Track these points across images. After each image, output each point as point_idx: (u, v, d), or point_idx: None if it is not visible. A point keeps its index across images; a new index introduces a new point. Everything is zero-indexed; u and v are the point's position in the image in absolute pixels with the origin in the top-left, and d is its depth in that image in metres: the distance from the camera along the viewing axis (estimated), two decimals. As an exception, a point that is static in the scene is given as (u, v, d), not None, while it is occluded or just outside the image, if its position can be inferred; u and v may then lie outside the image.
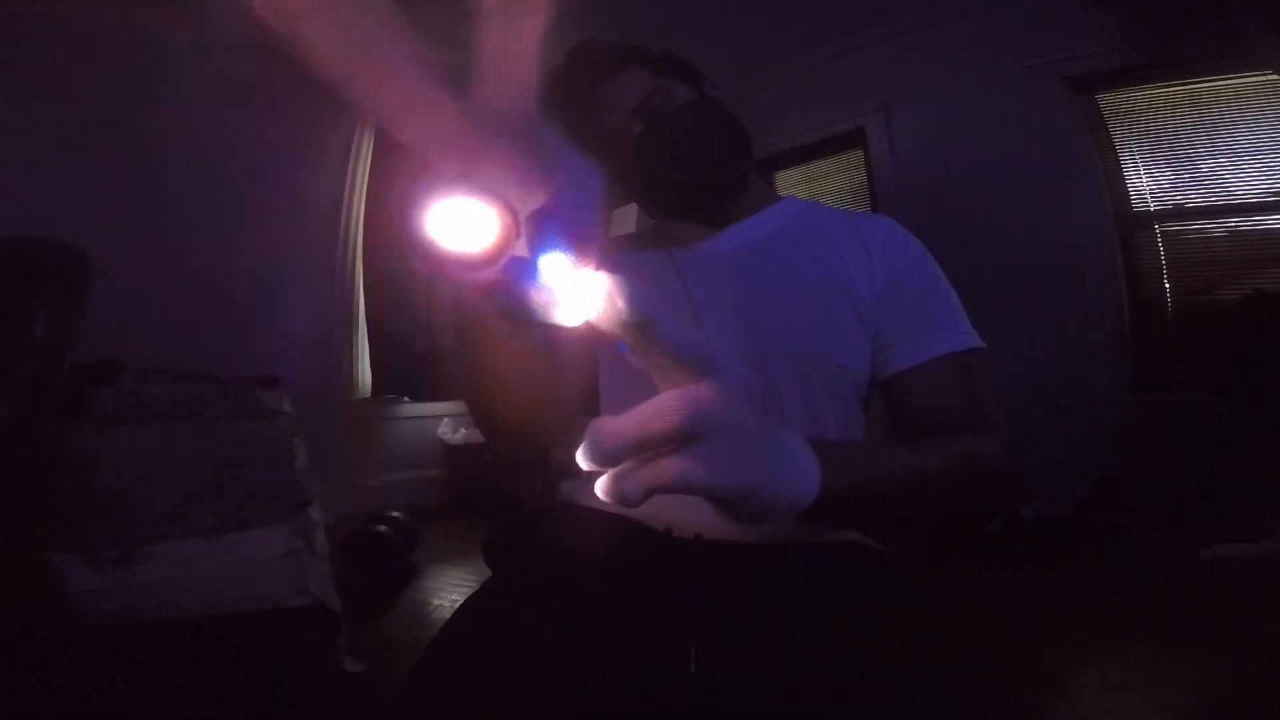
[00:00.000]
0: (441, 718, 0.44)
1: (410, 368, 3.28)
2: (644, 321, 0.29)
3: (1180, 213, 2.47)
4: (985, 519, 0.57)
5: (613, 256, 0.73)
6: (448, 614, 1.98)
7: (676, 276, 0.68)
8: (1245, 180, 2.32)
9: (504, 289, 0.29)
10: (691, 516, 0.60)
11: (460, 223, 0.27)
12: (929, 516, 0.51)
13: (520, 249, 0.28)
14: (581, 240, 0.29)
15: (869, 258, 0.66)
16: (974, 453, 0.55)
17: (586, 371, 0.68)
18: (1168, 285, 2.51)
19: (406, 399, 3.25)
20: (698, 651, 0.49)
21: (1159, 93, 2.45)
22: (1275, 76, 2.16)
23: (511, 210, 0.28)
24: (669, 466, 0.29)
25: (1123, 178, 2.55)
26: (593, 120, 0.68)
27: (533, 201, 0.29)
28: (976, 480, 0.53)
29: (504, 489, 2.99)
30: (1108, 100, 2.56)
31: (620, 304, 0.28)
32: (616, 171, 0.68)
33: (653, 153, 0.66)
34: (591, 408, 0.69)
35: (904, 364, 0.63)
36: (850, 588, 0.56)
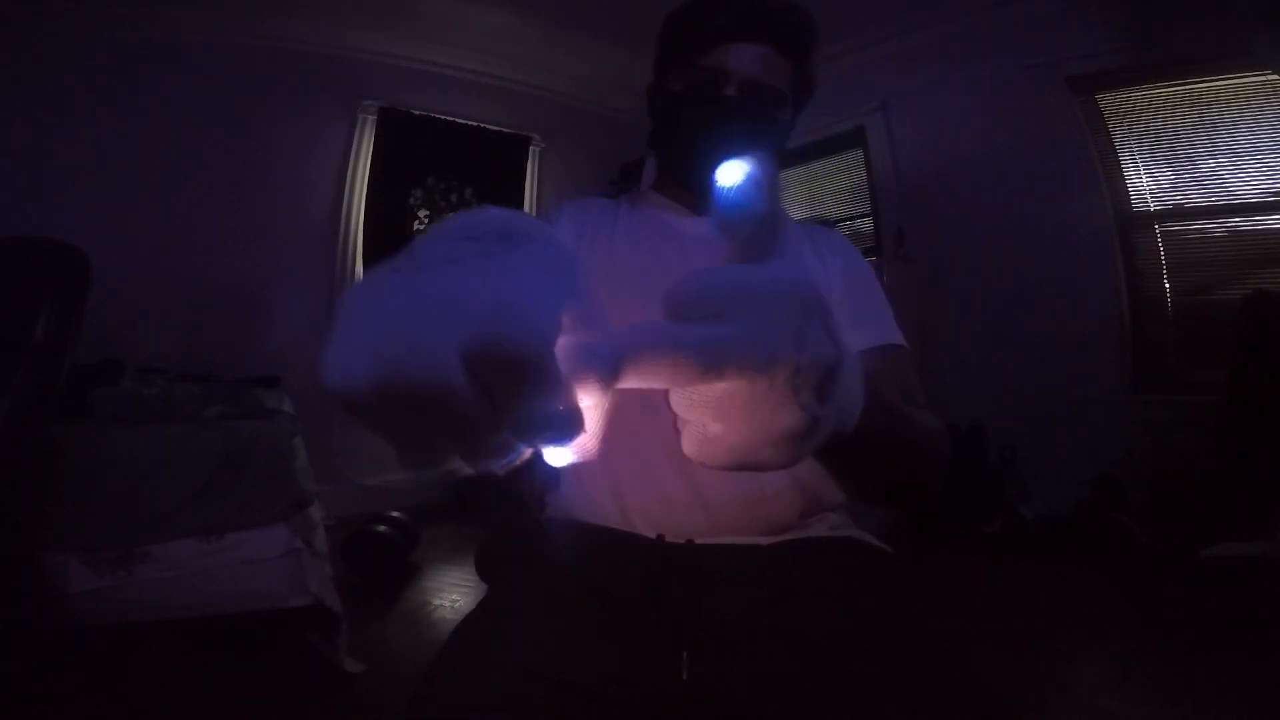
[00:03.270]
0: None
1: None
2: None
3: (1180, 213, 2.47)
4: (921, 492, 0.55)
5: (623, 218, 0.74)
6: (448, 614, 1.99)
7: (676, 254, 0.70)
8: (1245, 180, 2.32)
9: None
10: (683, 522, 0.60)
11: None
12: (902, 470, 0.48)
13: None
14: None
15: (823, 264, 0.71)
16: (934, 422, 0.55)
17: None
18: (1168, 285, 2.51)
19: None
20: (690, 659, 0.49)
21: (1159, 93, 2.45)
22: (1275, 76, 2.16)
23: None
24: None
25: (1123, 178, 2.55)
26: (721, 47, 0.66)
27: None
28: (939, 445, 0.53)
29: (504, 490, 2.98)
30: (1108, 100, 2.56)
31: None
32: (673, 96, 0.69)
33: (725, 119, 0.66)
34: None
35: None
36: (846, 589, 0.56)
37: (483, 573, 0.67)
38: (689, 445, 0.29)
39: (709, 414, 0.27)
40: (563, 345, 0.23)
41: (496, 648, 0.51)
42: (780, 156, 0.71)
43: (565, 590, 0.56)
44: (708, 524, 0.60)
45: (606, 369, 0.24)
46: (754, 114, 0.66)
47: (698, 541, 0.59)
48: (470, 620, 0.56)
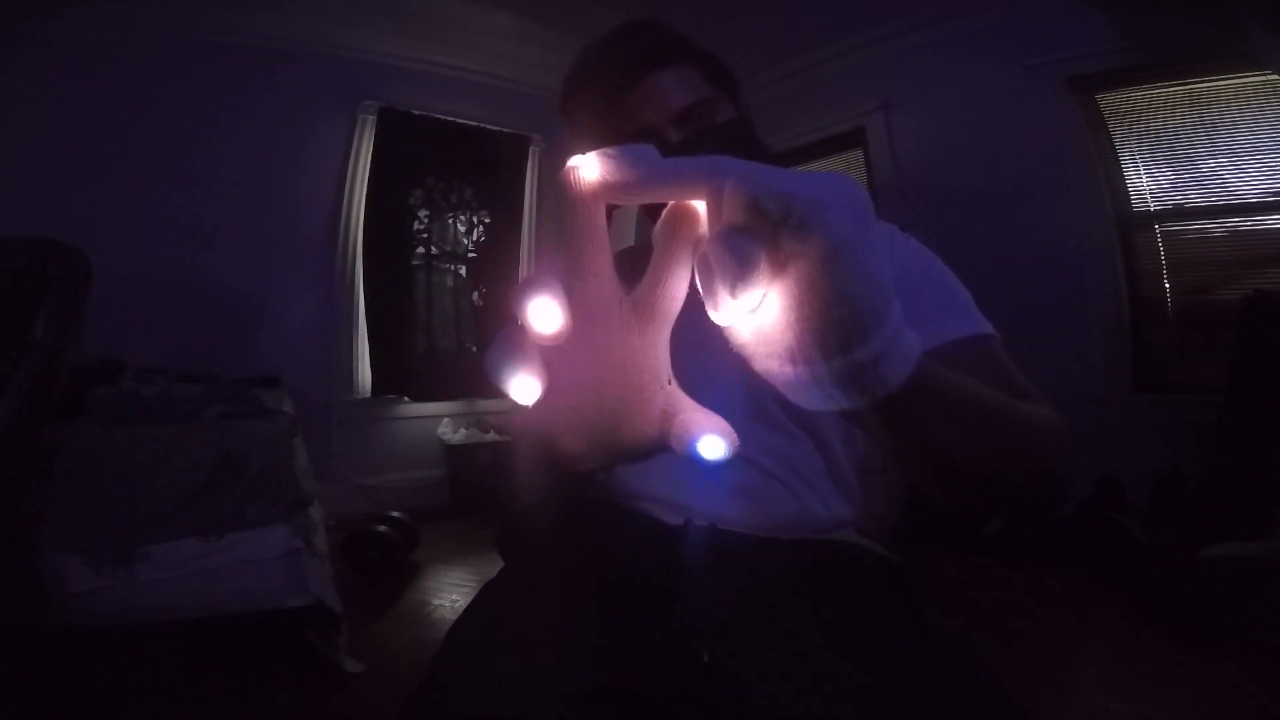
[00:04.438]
0: (459, 711, 0.44)
1: (410, 368, 3.28)
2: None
3: (1180, 213, 2.47)
4: (1043, 489, 0.47)
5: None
6: (448, 614, 1.99)
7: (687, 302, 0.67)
8: (1245, 180, 2.32)
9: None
10: (707, 506, 0.60)
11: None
12: (996, 454, 0.40)
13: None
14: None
15: (892, 255, 0.64)
16: (1035, 408, 0.47)
17: None
18: (1168, 285, 2.50)
19: (406, 399, 3.25)
20: (711, 643, 0.49)
21: (1159, 93, 2.45)
22: (1275, 76, 2.16)
23: None
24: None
25: (1123, 178, 2.55)
26: (625, 109, 0.64)
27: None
28: (1044, 432, 0.44)
29: (501, 488, 2.99)
30: (1108, 100, 2.56)
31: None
32: None
33: None
34: None
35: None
36: (856, 585, 0.56)
37: (504, 549, 0.68)
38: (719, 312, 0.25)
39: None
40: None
41: (518, 621, 0.52)
42: (766, 156, 0.67)
43: (587, 568, 0.57)
44: (732, 512, 0.61)
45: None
46: (706, 138, 0.63)
47: (720, 527, 0.59)
48: (491, 591, 0.57)
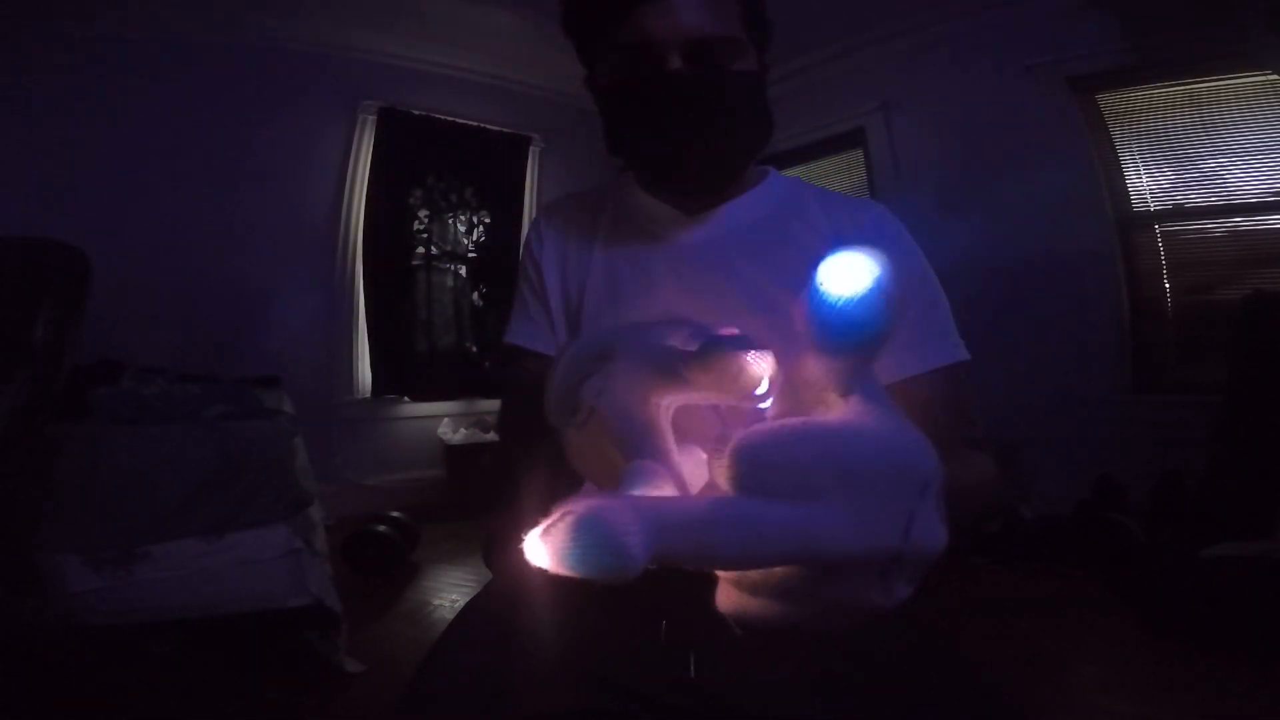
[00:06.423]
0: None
1: (410, 368, 3.28)
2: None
3: (1180, 213, 2.47)
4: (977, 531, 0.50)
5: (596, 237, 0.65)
6: (448, 614, 1.99)
7: (668, 266, 0.61)
8: (1245, 180, 2.32)
9: None
10: None
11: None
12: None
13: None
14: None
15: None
16: (982, 468, 0.51)
17: None
18: (1168, 285, 2.51)
19: (406, 399, 3.25)
20: (698, 656, 0.49)
21: (1159, 93, 2.45)
22: (1275, 76, 2.16)
23: None
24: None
25: (1123, 178, 2.55)
26: (633, 18, 0.53)
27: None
28: (989, 498, 0.48)
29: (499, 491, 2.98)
30: (1108, 100, 2.56)
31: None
32: (612, 91, 0.57)
33: (685, 105, 0.54)
34: None
35: (894, 376, 0.56)
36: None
37: (489, 559, 0.67)
38: (727, 601, 0.24)
39: (766, 589, 0.23)
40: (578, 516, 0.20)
41: (504, 632, 0.51)
42: (769, 123, 0.60)
43: (572, 582, 0.56)
44: None
45: (636, 558, 0.19)
46: (714, 81, 0.54)
47: None
48: (476, 605, 0.57)
